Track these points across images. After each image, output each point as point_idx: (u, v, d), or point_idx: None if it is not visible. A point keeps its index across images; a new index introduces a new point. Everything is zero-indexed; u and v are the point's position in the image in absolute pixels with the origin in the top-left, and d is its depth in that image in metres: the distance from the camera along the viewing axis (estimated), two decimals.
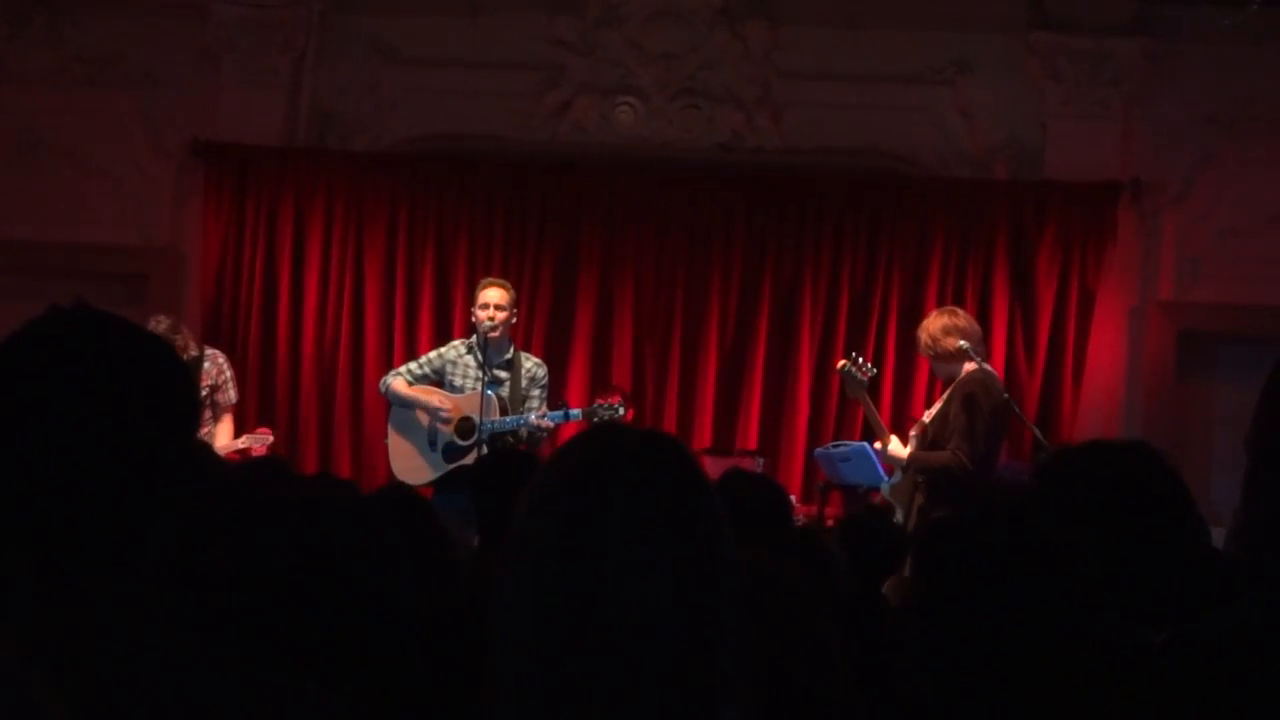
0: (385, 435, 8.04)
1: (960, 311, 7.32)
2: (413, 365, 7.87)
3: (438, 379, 7.74)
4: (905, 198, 9.20)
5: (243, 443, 7.88)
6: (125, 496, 1.49)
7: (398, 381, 7.75)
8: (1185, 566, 2.66)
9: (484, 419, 7.37)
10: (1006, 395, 7.85)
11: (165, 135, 9.37)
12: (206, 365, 7.78)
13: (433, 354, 7.86)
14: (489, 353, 7.55)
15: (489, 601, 1.53)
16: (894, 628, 4.05)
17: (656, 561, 1.46)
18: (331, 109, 9.46)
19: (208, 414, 7.81)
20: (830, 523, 7.33)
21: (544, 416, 7.41)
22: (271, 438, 8.12)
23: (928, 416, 7.05)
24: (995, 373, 7.34)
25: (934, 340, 7.05)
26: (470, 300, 8.85)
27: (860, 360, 7.22)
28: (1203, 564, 3.33)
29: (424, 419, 7.66)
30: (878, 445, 7.09)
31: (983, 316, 8.93)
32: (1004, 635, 1.92)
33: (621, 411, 7.37)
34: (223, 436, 7.80)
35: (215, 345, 8.41)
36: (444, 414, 7.56)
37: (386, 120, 9.46)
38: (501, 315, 7.52)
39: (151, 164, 9.40)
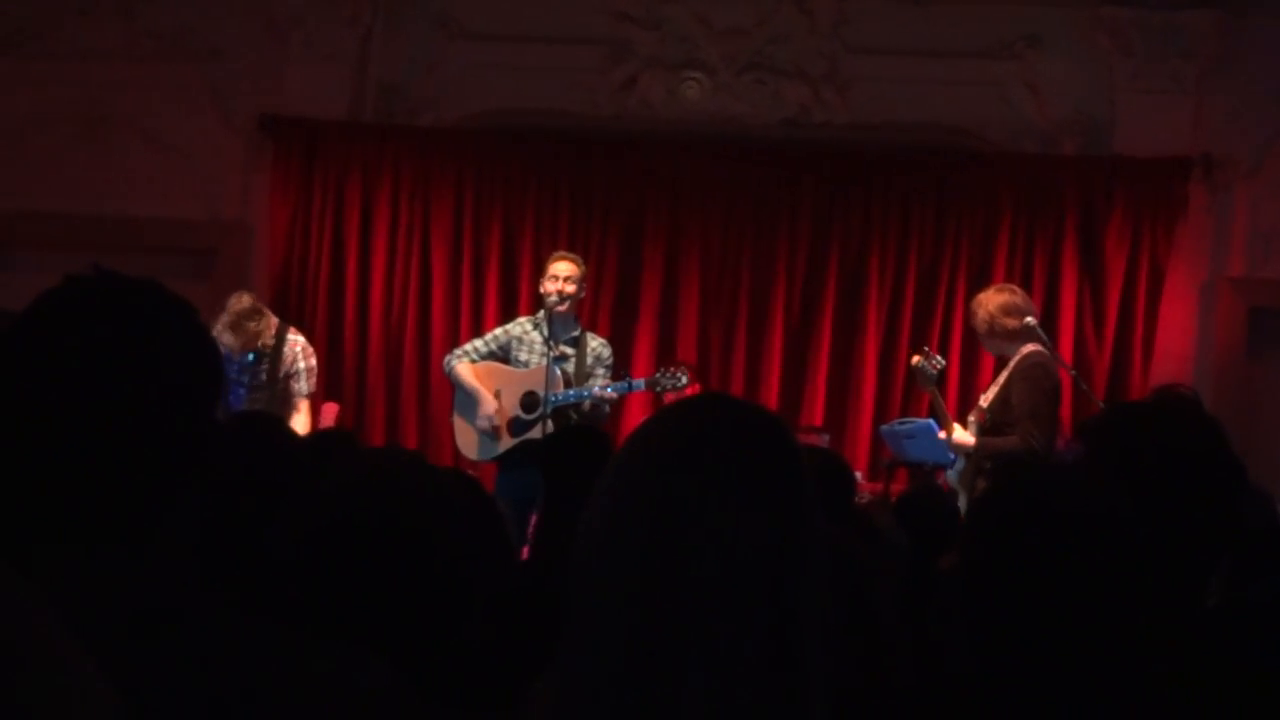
0: (451, 413, 8.10)
1: (1019, 290, 7.28)
2: (478, 343, 7.90)
3: (503, 355, 7.77)
4: (973, 173, 9.19)
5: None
6: (145, 465, 1.50)
7: (461, 365, 7.77)
8: (1243, 536, 2.65)
9: (548, 393, 7.41)
10: (1074, 372, 7.87)
11: (233, 110, 9.49)
12: (285, 349, 7.69)
13: (498, 330, 7.90)
14: (555, 328, 7.60)
15: (568, 573, 1.51)
16: (943, 600, 4.07)
17: (749, 535, 1.45)
18: (397, 84, 9.53)
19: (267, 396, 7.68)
20: (895, 498, 7.32)
21: (607, 389, 7.44)
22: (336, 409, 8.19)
23: (985, 400, 6.99)
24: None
25: (992, 318, 6.97)
26: (537, 275, 8.91)
27: (930, 354, 7.17)
28: (1264, 535, 3.34)
29: (488, 392, 7.69)
30: (942, 435, 7.03)
31: (1051, 293, 9.02)
32: (1047, 604, 1.90)
33: (685, 380, 7.40)
34: (297, 428, 7.57)
35: (283, 320, 8.46)
36: (490, 423, 7.59)
37: (452, 96, 9.52)
38: (570, 289, 7.55)
39: (220, 138, 9.51)
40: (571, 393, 7.46)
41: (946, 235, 9.19)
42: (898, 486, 7.93)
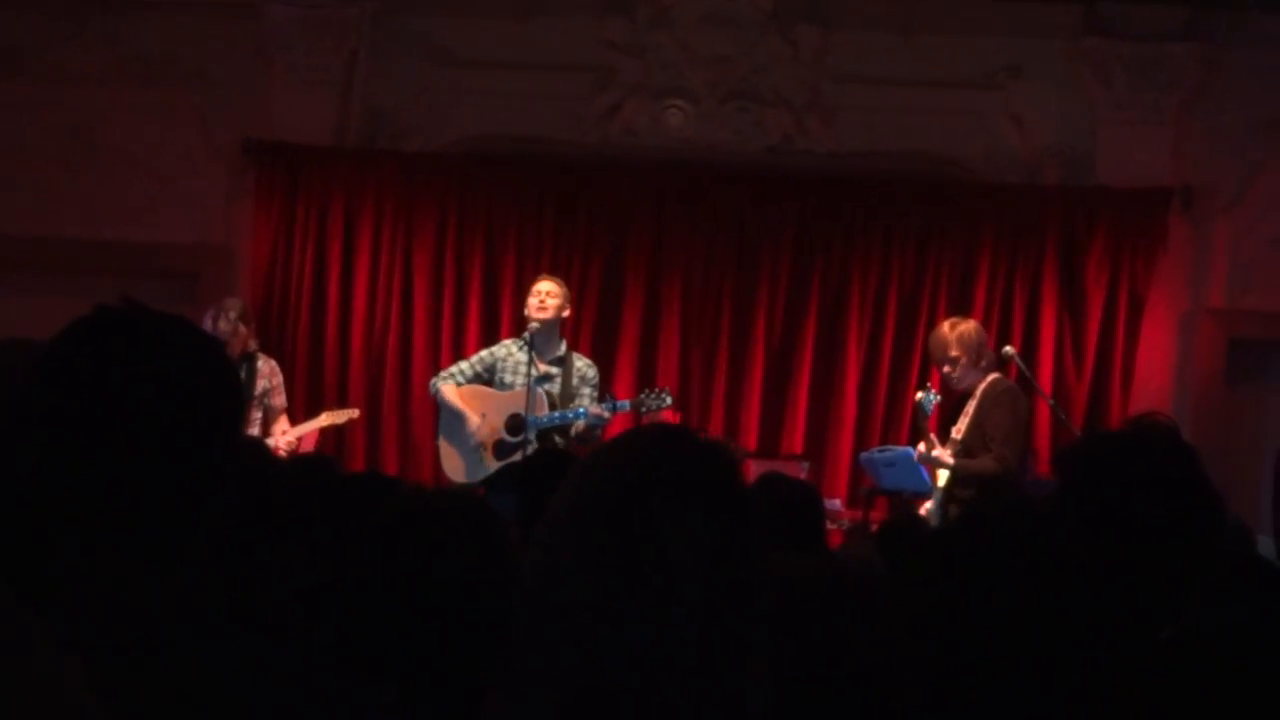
0: (436, 436, 8.14)
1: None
2: (463, 365, 7.95)
3: (489, 377, 7.81)
4: (955, 203, 9.27)
5: (324, 420, 7.99)
6: (174, 488, 1.53)
7: (446, 387, 7.83)
8: (1217, 566, 2.58)
9: (531, 415, 7.44)
10: (1053, 402, 7.91)
11: (218, 134, 9.49)
12: (261, 365, 7.87)
13: (484, 352, 7.96)
14: (539, 345, 7.65)
15: (521, 597, 1.54)
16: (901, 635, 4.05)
17: (688, 583, 1.46)
18: (383, 110, 9.56)
19: (257, 414, 7.86)
20: (875, 528, 7.36)
21: (601, 409, 7.45)
22: (357, 413, 8.29)
23: (957, 432, 7.05)
24: None
25: (969, 346, 7.05)
26: (520, 300, 8.89)
27: (930, 389, 7.22)
28: (1240, 566, 3.37)
29: (473, 414, 7.72)
30: (921, 447, 7.08)
31: (1031, 322, 9.09)
32: (1006, 638, 1.87)
33: (669, 400, 7.45)
34: (290, 436, 7.95)
35: (265, 343, 8.55)
36: (474, 441, 7.62)
37: (437, 121, 9.55)
38: (553, 303, 7.62)
39: (204, 163, 9.52)
40: (556, 415, 7.48)
41: (928, 264, 9.25)
42: (877, 515, 8.01)
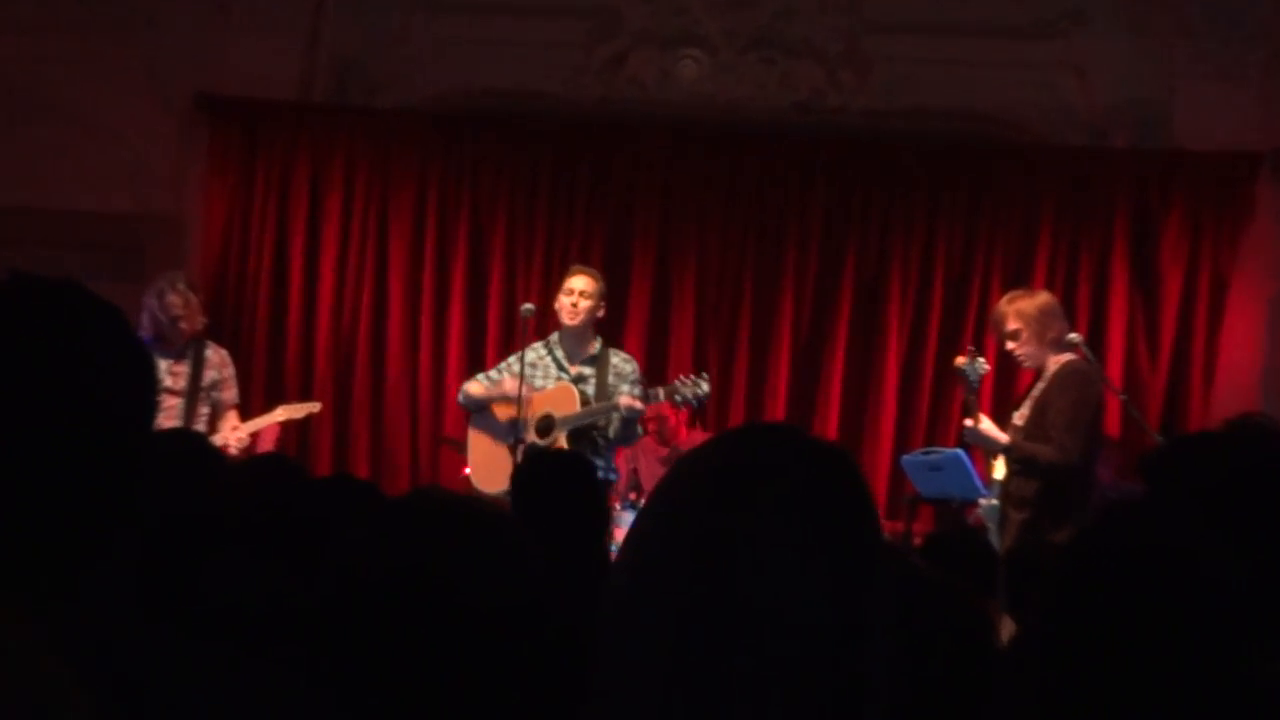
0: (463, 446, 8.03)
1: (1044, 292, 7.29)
2: (491, 372, 7.91)
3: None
4: (1009, 168, 9.16)
5: (281, 414, 7.91)
6: (73, 493, 1.50)
7: (473, 385, 7.79)
8: None
9: (561, 414, 7.41)
10: (1124, 397, 7.81)
11: (167, 89, 9.36)
12: (209, 353, 7.79)
13: (510, 358, 7.87)
14: (569, 348, 7.59)
15: (599, 620, 1.53)
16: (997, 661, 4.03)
17: (804, 590, 1.44)
18: (354, 61, 9.46)
19: (204, 409, 7.80)
20: (918, 541, 7.28)
21: (634, 400, 7.43)
22: (319, 406, 8.18)
23: (1019, 418, 6.96)
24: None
25: (1030, 322, 6.94)
26: (509, 279, 8.93)
27: (976, 355, 7.06)
28: None
29: (501, 414, 7.69)
30: (969, 422, 6.96)
31: (1098, 305, 8.98)
32: (1142, 669, 1.86)
33: (706, 389, 7.40)
34: (240, 434, 7.77)
35: (219, 328, 8.41)
36: (518, 425, 7.60)
37: (416, 74, 9.46)
38: (586, 305, 7.57)
39: (151, 121, 9.38)
40: (584, 413, 7.45)
41: (979, 239, 9.16)
42: (921, 526, 7.95)
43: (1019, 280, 8.88)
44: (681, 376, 7.55)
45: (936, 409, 9.11)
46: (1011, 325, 6.99)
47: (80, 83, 9.40)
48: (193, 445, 3.62)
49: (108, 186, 9.38)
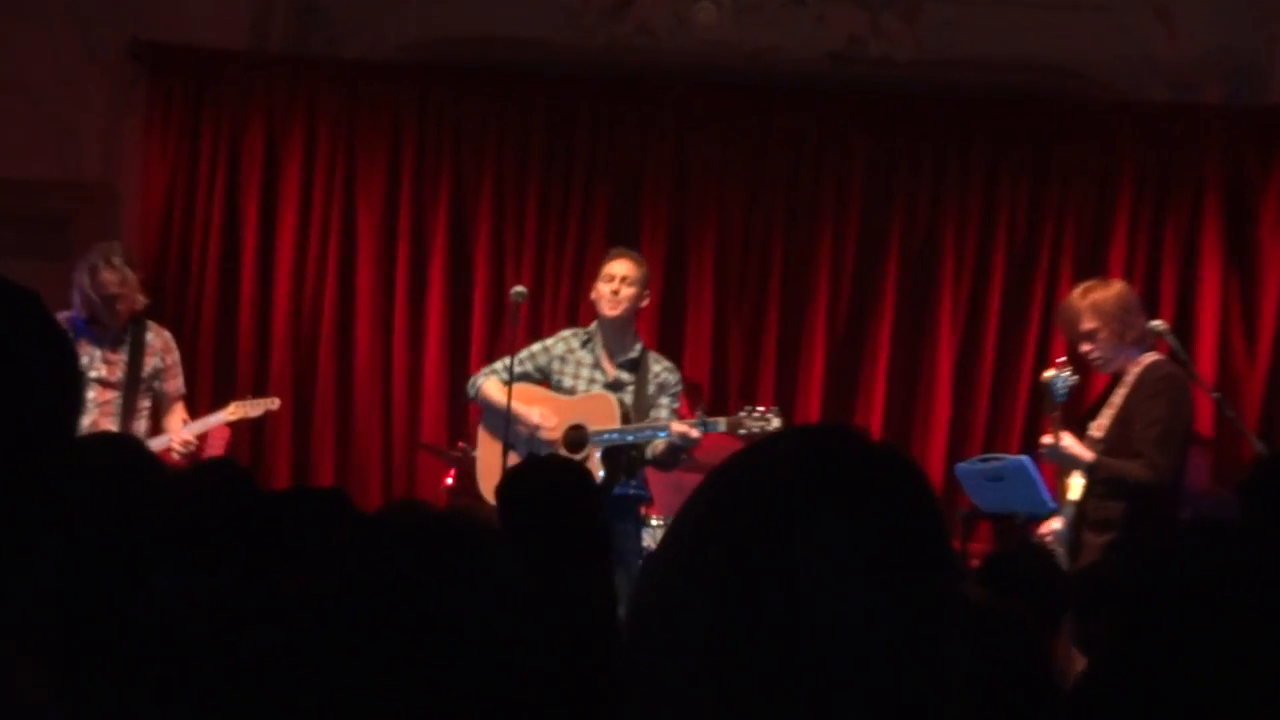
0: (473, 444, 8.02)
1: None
2: (507, 360, 7.87)
3: (542, 378, 7.72)
4: (1082, 127, 9.16)
5: (233, 412, 7.90)
6: None
7: (489, 383, 7.75)
8: None
9: (596, 428, 7.39)
10: (1218, 395, 7.79)
11: (98, 36, 9.37)
12: (150, 337, 7.79)
13: (535, 346, 7.84)
14: (611, 341, 7.57)
15: (625, 645, 1.54)
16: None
17: (864, 613, 1.44)
18: (315, 4, 9.47)
19: (145, 403, 7.80)
20: (975, 563, 7.28)
21: (690, 425, 7.37)
22: (277, 403, 8.18)
23: (1098, 429, 6.93)
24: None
25: (1110, 320, 6.91)
26: (496, 255, 8.97)
27: (1064, 367, 7.00)
28: None
29: (525, 430, 7.68)
30: (1048, 439, 6.95)
31: (1186, 288, 9.00)
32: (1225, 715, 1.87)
33: (777, 423, 7.34)
34: (186, 434, 7.82)
35: (159, 313, 8.38)
36: (545, 432, 7.57)
37: (387, 20, 9.47)
38: (629, 292, 7.52)
39: (78, 73, 9.39)
40: (629, 431, 7.40)
41: (1046, 209, 9.17)
42: (979, 546, 7.98)
43: (1092, 260, 8.99)
44: (748, 408, 7.47)
45: (996, 409, 9.11)
46: (1087, 324, 6.94)
47: None
48: (126, 450, 3.62)
49: (28, 151, 9.39)
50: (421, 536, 2.01)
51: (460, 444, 8.52)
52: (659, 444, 7.37)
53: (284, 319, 9.34)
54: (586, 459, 7.34)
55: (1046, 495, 7.07)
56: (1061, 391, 6.79)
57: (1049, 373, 6.90)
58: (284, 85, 9.36)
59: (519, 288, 7.60)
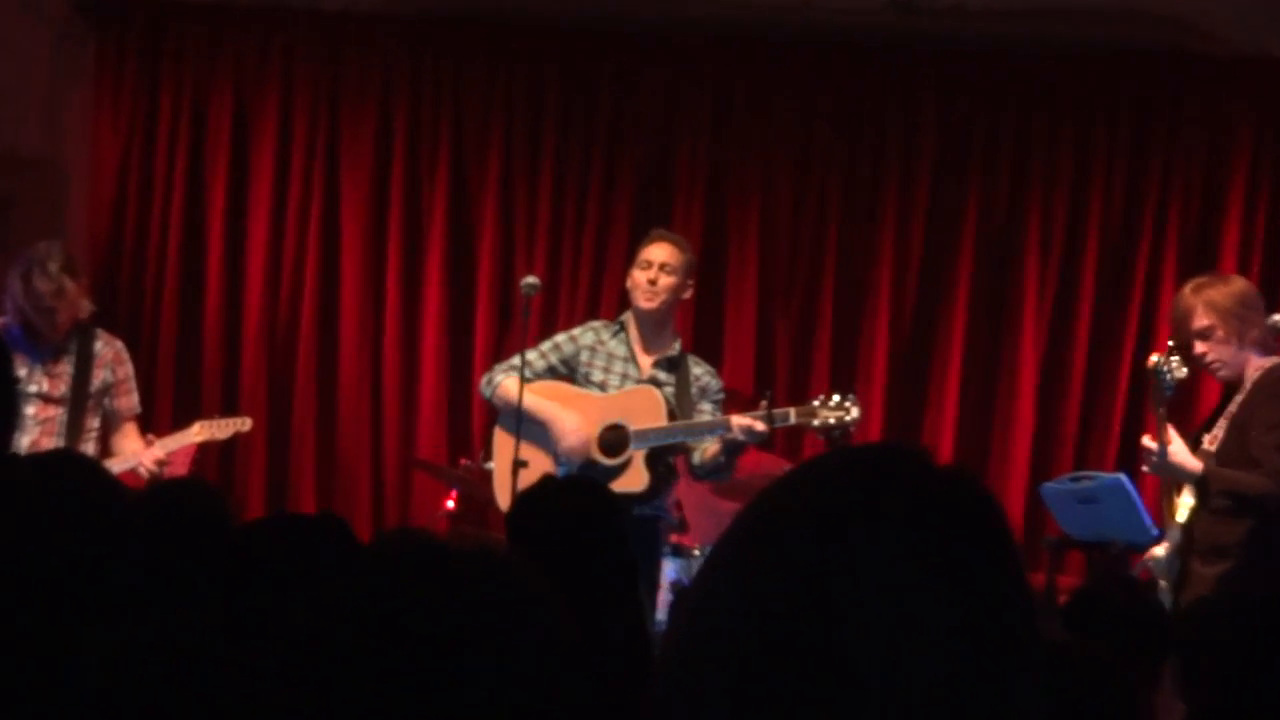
0: (485, 452, 7.99)
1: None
2: (530, 355, 7.87)
3: (568, 372, 7.73)
4: (1192, 87, 9.20)
5: (197, 434, 7.91)
6: None
7: (509, 382, 7.76)
8: None
9: (639, 428, 7.41)
10: None
11: None
12: (99, 346, 7.81)
13: (560, 337, 7.86)
14: (647, 334, 7.61)
15: (655, 676, 1.57)
16: None
17: (926, 657, 1.47)
18: None
19: (94, 422, 7.83)
20: (1064, 599, 7.28)
21: (745, 421, 7.35)
22: (249, 423, 8.17)
23: (1211, 441, 6.92)
24: None
25: (1228, 318, 6.91)
26: (505, 236, 9.05)
27: (1173, 352, 6.99)
28: None
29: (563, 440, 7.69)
30: (1149, 442, 6.92)
31: None
32: None
33: (856, 411, 7.35)
34: (142, 459, 7.76)
35: (111, 315, 8.45)
36: (575, 445, 7.58)
37: None
38: (668, 281, 7.54)
39: (16, 30, 9.42)
40: (679, 429, 7.42)
41: (1148, 182, 9.19)
42: (1069, 579, 7.96)
43: (1201, 244, 9.04)
44: (823, 396, 7.46)
45: (1088, 421, 9.14)
46: (1201, 321, 6.92)
47: None
48: (77, 469, 3.62)
49: None
50: (434, 572, 1.96)
51: (463, 460, 8.53)
52: (709, 448, 7.40)
53: (256, 317, 9.39)
54: (628, 464, 7.37)
55: (1148, 519, 7.08)
56: (1169, 383, 6.75)
57: (1155, 357, 6.84)
58: (255, 42, 9.42)
59: (530, 279, 7.58)
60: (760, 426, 7.20)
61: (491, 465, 7.75)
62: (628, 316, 7.57)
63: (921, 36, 9.35)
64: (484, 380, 7.81)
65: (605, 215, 9.33)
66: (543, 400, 7.56)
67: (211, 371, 9.33)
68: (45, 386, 7.59)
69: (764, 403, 7.34)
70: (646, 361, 7.57)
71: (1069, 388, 9.16)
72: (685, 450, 7.45)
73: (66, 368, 7.67)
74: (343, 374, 9.32)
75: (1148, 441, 6.80)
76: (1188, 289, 7.03)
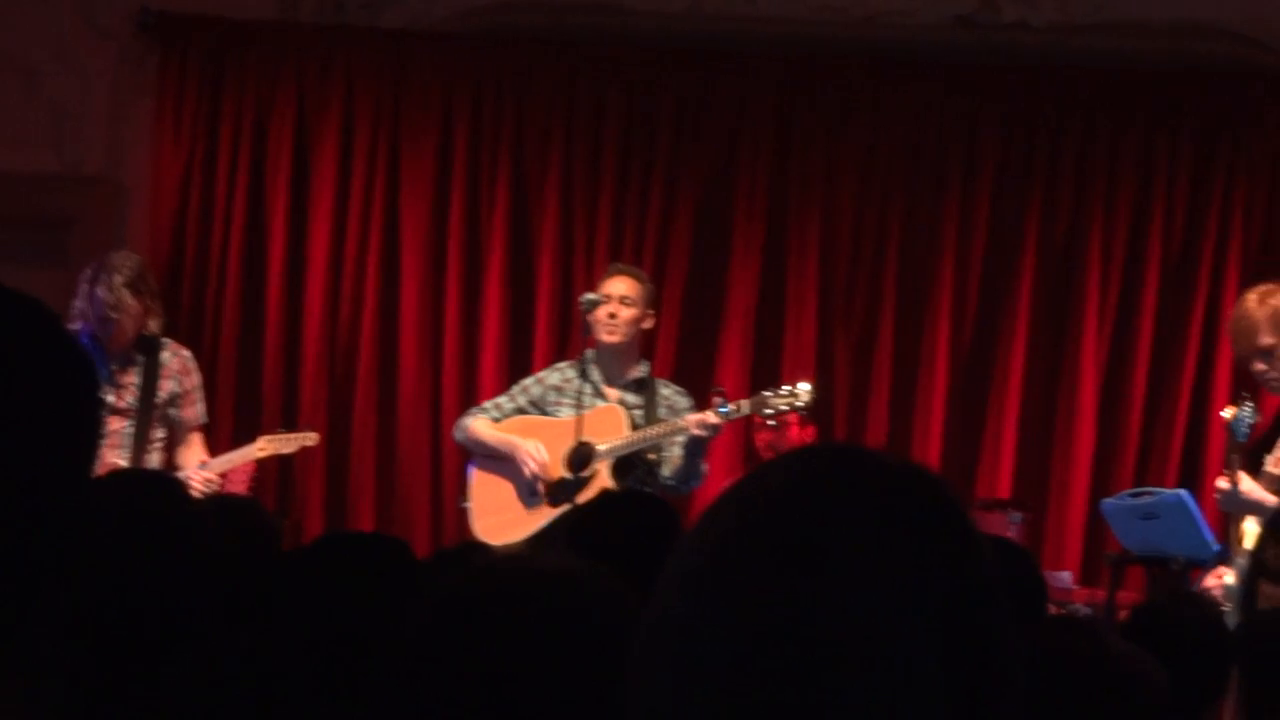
0: (461, 496, 8.09)
1: None
2: (501, 399, 7.90)
3: (537, 413, 7.79)
4: (1255, 101, 9.19)
5: (262, 448, 7.96)
6: None
7: (478, 423, 7.82)
8: None
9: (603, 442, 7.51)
10: None
11: (100, 4, 9.47)
12: (166, 356, 7.81)
13: (528, 380, 7.92)
14: (608, 370, 7.70)
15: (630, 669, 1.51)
16: None
17: (897, 665, 1.43)
18: None
19: (160, 434, 7.84)
20: (1124, 615, 7.29)
21: (709, 412, 7.42)
22: (316, 438, 8.25)
23: (1275, 464, 6.89)
24: None
25: None
26: (564, 255, 9.07)
27: (1245, 400, 6.95)
28: None
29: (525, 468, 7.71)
30: (1224, 483, 6.90)
31: None
32: None
33: (807, 395, 7.43)
34: (193, 468, 7.80)
35: (173, 328, 8.42)
36: (535, 471, 7.63)
37: None
38: (628, 313, 7.62)
39: (80, 51, 9.51)
40: (635, 437, 7.50)
41: (1211, 200, 9.16)
42: (1129, 595, 7.94)
43: (1265, 262, 8.83)
44: (773, 388, 7.56)
45: (1149, 437, 9.10)
46: (1266, 339, 6.91)
47: None
48: (156, 489, 3.61)
49: (19, 140, 9.48)
50: (529, 598, 1.99)
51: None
52: (676, 456, 7.51)
53: (316, 333, 9.41)
54: (594, 475, 7.48)
55: (1209, 535, 7.04)
56: (1245, 432, 6.77)
57: (1229, 410, 6.85)
58: (316, 59, 9.45)
59: (589, 295, 7.69)
60: (713, 419, 7.38)
61: (468, 505, 7.90)
62: (591, 354, 7.67)
63: (985, 52, 9.40)
64: (455, 427, 7.99)
65: (665, 233, 9.36)
66: (503, 434, 7.73)
67: (272, 387, 9.35)
68: (113, 397, 7.60)
69: (717, 398, 7.49)
70: (614, 394, 7.67)
71: (1130, 404, 9.14)
72: (652, 464, 7.55)
73: (134, 379, 7.72)
74: (402, 389, 9.34)
75: (1221, 483, 6.79)
76: (1251, 300, 7.02)
